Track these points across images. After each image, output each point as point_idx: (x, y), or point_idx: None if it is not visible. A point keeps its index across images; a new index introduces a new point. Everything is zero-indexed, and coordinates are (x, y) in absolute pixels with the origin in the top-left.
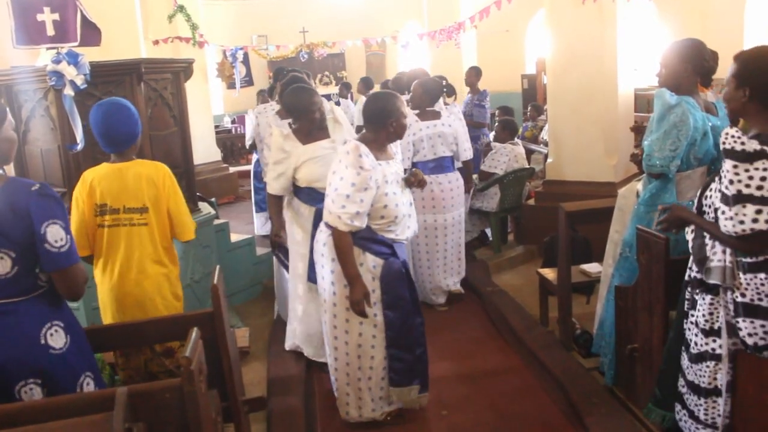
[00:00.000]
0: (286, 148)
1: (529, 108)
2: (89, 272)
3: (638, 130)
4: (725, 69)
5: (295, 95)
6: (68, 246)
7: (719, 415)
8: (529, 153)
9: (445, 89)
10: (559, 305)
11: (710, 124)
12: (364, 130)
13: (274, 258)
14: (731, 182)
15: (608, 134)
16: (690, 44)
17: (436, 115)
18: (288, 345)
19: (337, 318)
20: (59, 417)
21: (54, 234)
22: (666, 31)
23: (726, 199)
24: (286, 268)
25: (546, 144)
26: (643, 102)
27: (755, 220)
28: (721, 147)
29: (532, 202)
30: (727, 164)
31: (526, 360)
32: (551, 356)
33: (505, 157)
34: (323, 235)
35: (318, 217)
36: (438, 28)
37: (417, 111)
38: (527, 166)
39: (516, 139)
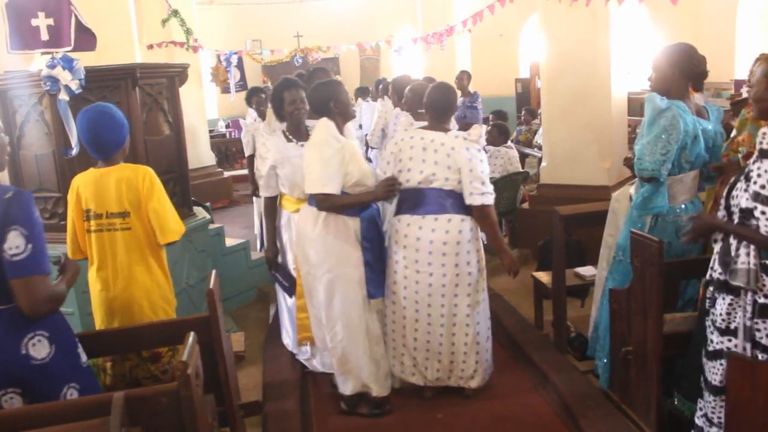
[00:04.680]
0: (339, 138)
1: (523, 112)
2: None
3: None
4: (716, 73)
5: (329, 87)
6: (26, 255)
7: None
8: (524, 157)
9: None
10: (554, 308)
11: (701, 127)
12: (428, 120)
13: (277, 285)
14: None
15: (602, 138)
16: (679, 48)
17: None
18: (350, 389)
19: (483, 293)
20: (56, 422)
21: (11, 240)
22: (659, 34)
23: (761, 199)
24: (288, 290)
25: (540, 148)
26: (636, 106)
27: None
28: (758, 147)
29: (526, 205)
30: (765, 164)
31: (520, 363)
32: (546, 359)
33: (501, 161)
34: (467, 222)
35: (366, 227)
36: (432, 32)
37: (410, 113)
38: (521, 170)
39: (509, 142)
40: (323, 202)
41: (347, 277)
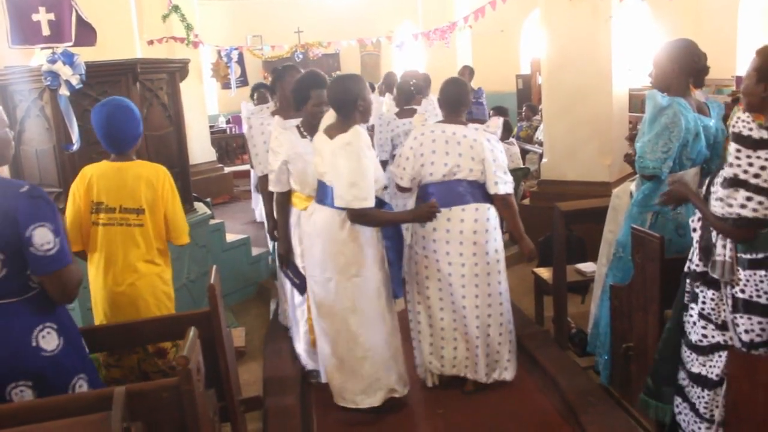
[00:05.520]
0: (370, 146)
1: (524, 108)
2: (83, 269)
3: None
4: (718, 69)
5: (357, 84)
6: (57, 249)
7: (716, 407)
8: (524, 153)
9: (413, 88)
10: (555, 304)
11: (702, 124)
12: (444, 114)
13: (288, 283)
14: (730, 165)
15: (603, 134)
16: (679, 44)
17: (412, 113)
18: (379, 398)
19: (506, 280)
20: (57, 417)
21: (41, 237)
22: (660, 31)
23: (723, 181)
24: (299, 288)
25: (541, 144)
26: (637, 102)
27: (743, 206)
28: (730, 129)
29: (527, 201)
30: (731, 147)
31: (521, 359)
32: (547, 355)
33: None
34: (492, 210)
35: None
36: (433, 28)
37: (397, 110)
38: (522, 166)
39: (511, 138)
40: (362, 217)
41: (375, 279)
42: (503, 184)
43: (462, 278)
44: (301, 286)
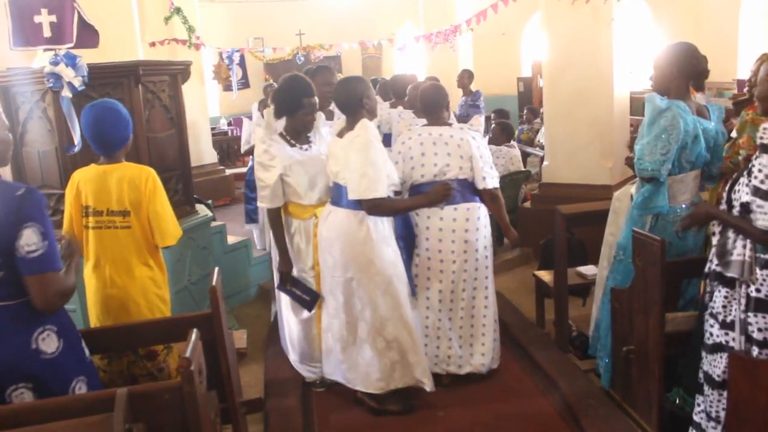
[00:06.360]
0: (379, 139)
1: (525, 111)
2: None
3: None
4: (719, 72)
5: (361, 84)
6: (41, 252)
7: (723, 410)
8: (525, 156)
9: None
10: (556, 307)
11: (702, 127)
12: (426, 118)
13: (290, 301)
14: (765, 177)
15: (604, 137)
16: (678, 47)
17: None
18: (398, 383)
19: (492, 275)
20: (59, 418)
21: (26, 238)
22: (661, 33)
23: (761, 194)
24: (308, 305)
25: (542, 147)
26: (638, 105)
27: None
28: (758, 141)
29: (528, 204)
30: (764, 159)
31: (522, 362)
32: (547, 358)
33: (502, 160)
34: (483, 209)
35: (403, 224)
36: (434, 30)
37: (413, 110)
38: (523, 169)
39: (512, 141)
40: (376, 207)
41: (396, 275)
42: (491, 179)
43: (453, 274)
44: (312, 303)
